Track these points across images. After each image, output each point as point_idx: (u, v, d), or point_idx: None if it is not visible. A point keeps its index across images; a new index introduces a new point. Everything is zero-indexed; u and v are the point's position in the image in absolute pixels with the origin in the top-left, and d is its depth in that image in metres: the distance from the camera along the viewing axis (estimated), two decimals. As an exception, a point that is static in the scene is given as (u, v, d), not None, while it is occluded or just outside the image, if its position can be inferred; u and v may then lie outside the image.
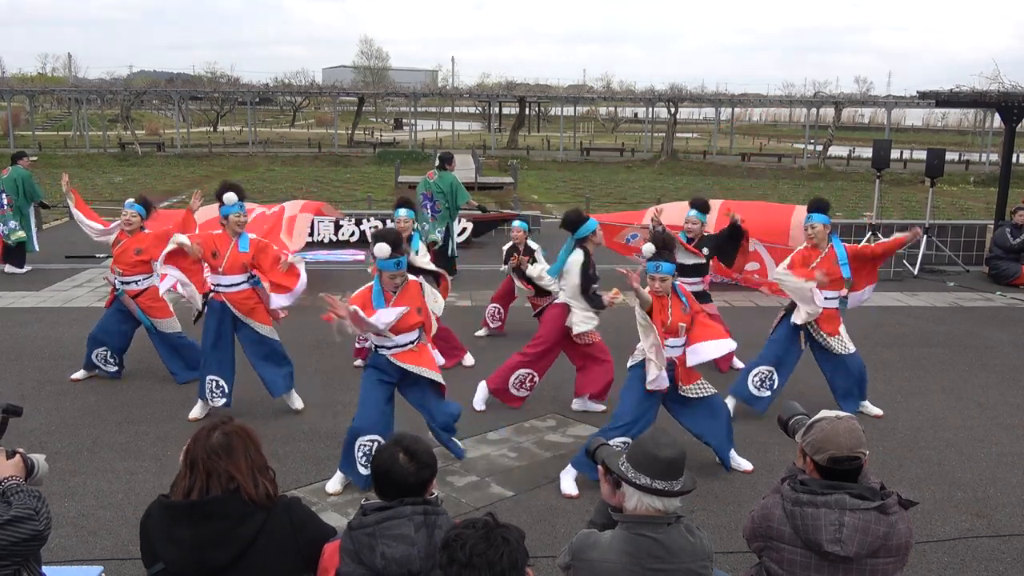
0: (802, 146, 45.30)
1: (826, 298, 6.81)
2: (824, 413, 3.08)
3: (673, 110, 41.60)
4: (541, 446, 6.29)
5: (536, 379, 7.01)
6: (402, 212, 7.98)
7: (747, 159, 41.16)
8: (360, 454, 5.42)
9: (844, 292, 7.04)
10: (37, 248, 12.54)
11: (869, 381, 7.11)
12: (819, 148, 41.73)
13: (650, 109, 46.40)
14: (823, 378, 7.09)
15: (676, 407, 5.76)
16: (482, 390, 7.03)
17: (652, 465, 2.86)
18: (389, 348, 5.53)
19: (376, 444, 5.31)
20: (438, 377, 5.62)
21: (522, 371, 6.95)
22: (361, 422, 5.46)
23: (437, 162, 11.94)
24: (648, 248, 5.50)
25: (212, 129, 55.12)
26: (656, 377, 5.40)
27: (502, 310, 9.22)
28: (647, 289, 5.46)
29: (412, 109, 46.56)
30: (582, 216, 6.82)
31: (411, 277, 5.65)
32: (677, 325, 5.50)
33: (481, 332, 9.27)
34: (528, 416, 6.84)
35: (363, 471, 5.40)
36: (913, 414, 7.08)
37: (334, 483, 5.56)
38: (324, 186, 27.35)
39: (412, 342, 5.57)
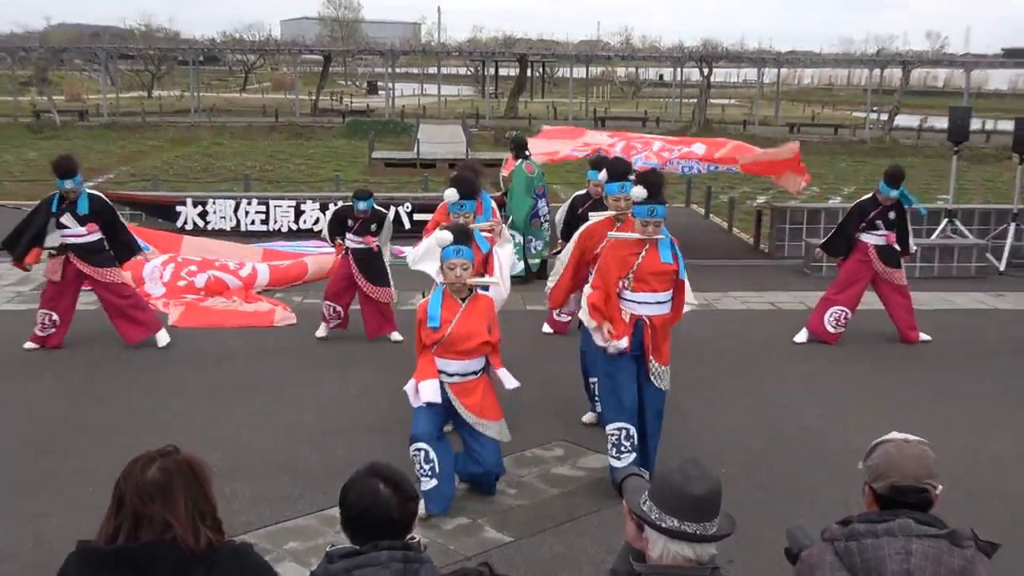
0: (863, 115, 45.41)
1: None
2: (893, 435, 3.08)
3: (706, 71, 41.68)
4: (546, 481, 6.28)
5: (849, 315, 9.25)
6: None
7: (796, 130, 41.20)
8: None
9: None
10: None
11: (928, 401, 7.37)
12: (883, 117, 41.84)
13: (678, 70, 46.49)
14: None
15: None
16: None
17: (680, 503, 2.84)
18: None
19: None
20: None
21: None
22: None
23: (515, 151, 11.47)
24: (639, 192, 5.74)
25: (146, 94, 55.21)
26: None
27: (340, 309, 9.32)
28: (636, 233, 5.87)
29: (389, 70, 46.64)
30: None
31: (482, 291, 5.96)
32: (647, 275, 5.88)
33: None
34: (530, 443, 6.83)
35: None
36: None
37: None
38: (282, 163, 27.38)
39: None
